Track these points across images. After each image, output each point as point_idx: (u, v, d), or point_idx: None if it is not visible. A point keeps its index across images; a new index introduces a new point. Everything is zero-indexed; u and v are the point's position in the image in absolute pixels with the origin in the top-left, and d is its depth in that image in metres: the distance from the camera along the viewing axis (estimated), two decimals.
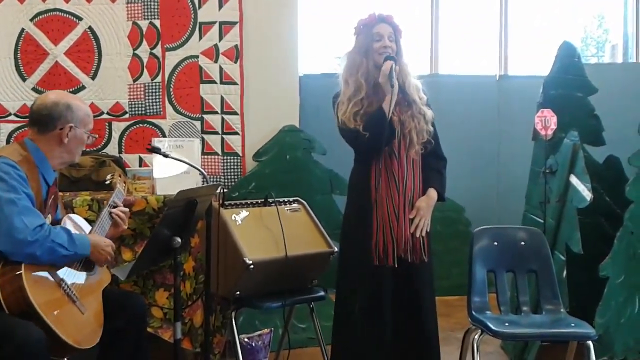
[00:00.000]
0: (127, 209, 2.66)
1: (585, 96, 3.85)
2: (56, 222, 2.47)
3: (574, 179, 3.35)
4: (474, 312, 2.90)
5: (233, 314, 2.97)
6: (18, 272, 2.15)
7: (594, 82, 3.87)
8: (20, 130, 3.92)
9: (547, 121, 3.42)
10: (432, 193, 2.84)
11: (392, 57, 2.74)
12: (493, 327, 2.72)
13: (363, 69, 2.79)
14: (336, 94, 2.89)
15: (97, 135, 2.62)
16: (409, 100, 2.82)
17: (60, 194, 2.72)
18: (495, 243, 3.09)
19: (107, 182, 2.75)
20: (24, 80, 4.00)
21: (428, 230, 2.83)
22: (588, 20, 7.28)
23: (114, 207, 2.59)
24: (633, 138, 3.46)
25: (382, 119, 2.69)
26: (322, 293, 3.11)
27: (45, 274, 2.24)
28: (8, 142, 3.90)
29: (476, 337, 2.79)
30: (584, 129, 3.64)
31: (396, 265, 2.75)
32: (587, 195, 3.22)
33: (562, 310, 2.95)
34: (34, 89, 3.96)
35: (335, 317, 2.90)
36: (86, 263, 2.42)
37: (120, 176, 2.80)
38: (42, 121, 2.43)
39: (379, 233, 2.76)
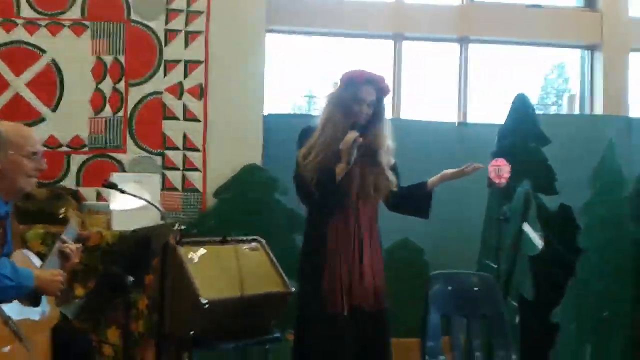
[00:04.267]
0: (77, 245, 2.61)
1: (539, 146, 3.96)
2: (6, 256, 2.41)
3: (526, 227, 3.43)
4: (427, 358, 2.91)
5: (186, 354, 2.92)
6: None
7: (549, 133, 3.98)
8: None
9: (500, 170, 3.49)
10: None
11: (361, 127, 2.73)
12: None
13: (337, 125, 2.76)
14: (305, 130, 2.87)
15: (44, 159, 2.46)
16: (376, 161, 2.83)
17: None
18: (450, 288, 3.13)
19: (61, 216, 2.72)
20: None
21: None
22: (548, 69, 7.52)
23: (63, 243, 2.54)
24: (585, 188, 3.56)
25: (331, 182, 2.70)
26: (277, 335, 3.09)
27: None
28: None
29: None
30: (537, 178, 3.74)
31: (349, 314, 2.75)
32: (539, 243, 3.31)
33: (513, 356, 2.99)
34: None
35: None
36: (33, 298, 2.36)
37: (74, 210, 2.76)
38: None
39: (331, 283, 2.77)
